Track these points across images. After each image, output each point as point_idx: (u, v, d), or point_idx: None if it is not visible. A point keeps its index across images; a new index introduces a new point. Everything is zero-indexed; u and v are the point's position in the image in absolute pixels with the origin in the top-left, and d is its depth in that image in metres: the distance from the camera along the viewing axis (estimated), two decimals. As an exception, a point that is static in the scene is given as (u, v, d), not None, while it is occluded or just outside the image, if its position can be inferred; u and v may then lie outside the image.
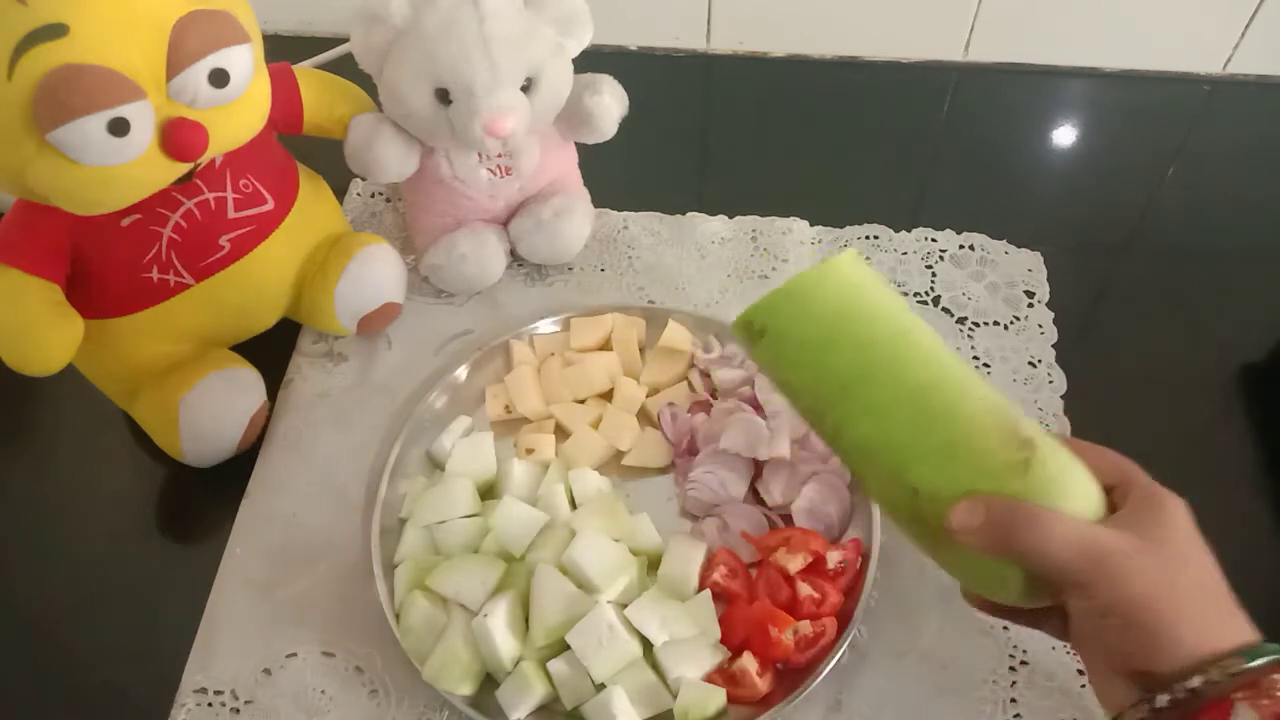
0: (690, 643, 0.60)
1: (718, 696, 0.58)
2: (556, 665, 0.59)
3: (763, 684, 0.59)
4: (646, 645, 0.60)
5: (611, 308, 0.76)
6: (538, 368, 0.74)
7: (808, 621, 0.60)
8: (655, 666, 0.60)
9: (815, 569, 0.63)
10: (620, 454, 0.70)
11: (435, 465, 0.70)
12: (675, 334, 0.74)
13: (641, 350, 0.75)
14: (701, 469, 0.67)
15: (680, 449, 0.70)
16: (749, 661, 0.59)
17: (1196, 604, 0.41)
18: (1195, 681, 0.38)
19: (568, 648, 0.59)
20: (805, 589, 0.61)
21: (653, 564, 0.64)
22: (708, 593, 0.62)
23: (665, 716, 0.59)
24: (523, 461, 0.69)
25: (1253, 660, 0.38)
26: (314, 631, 0.61)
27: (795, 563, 0.62)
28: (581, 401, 0.73)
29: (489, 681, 0.60)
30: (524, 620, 0.61)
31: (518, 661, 0.59)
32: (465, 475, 0.67)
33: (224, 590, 0.63)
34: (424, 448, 0.70)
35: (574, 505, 0.66)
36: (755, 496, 0.68)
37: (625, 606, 0.60)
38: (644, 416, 0.72)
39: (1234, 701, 0.36)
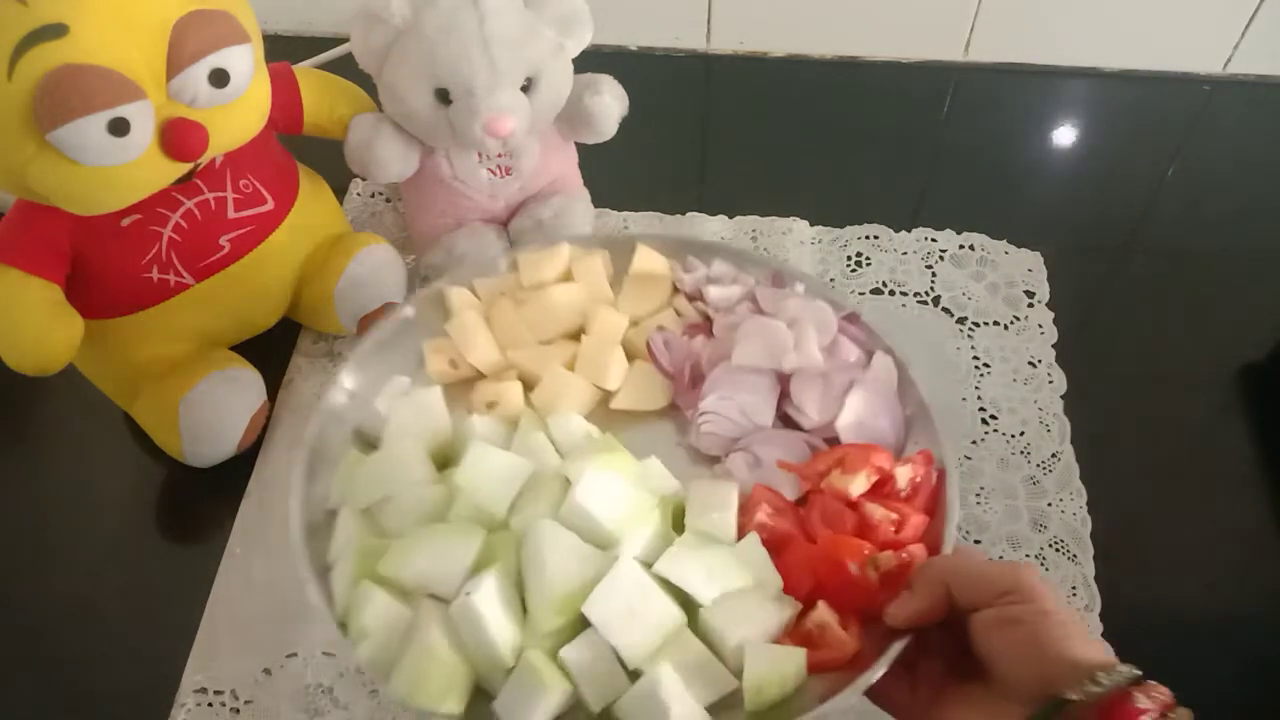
0: (747, 597, 0.47)
1: (795, 659, 0.45)
2: (573, 651, 0.45)
3: (851, 639, 0.46)
4: (689, 609, 0.47)
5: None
6: (485, 313, 0.62)
7: (890, 552, 0.47)
8: (705, 634, 0.47)
9: (882, 492, 0.50)
10: (608, 396, 0.58)
11: (368, 445, 0.58)
12: (647, 258, 0.64)
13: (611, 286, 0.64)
14: (714, 396, 0.55)
15: (682, 381, 0.57)
16: (826, 613, 0.47)
17: (1079, 627, 0.43)
18: (1102, 679, 0.39)
19: (585, 626, 0.46)
20: (878, 510, 0.49)
21: (675, 520, 0.52)
22: (754, 535, 0.49)
23: (732, 700, 0.46)
24: (485, 417, 0.55)
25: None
26: (314, 631, 0.61)
27: (856, 484, 0.49)
28: (547, 343, 0.61)
29: (480, 693, 0.48)
30: (519, 602, 0.48)
31: (519, 654, 0.46)
32: (411, 439, 0.54)
33: (224, 590, 0.63)
34: (349, 427, 0.57)
35: (561, 454, 0.54)
36: (786, 422, 0.56)
37: (651, 566, 0.47)
38: (628, 350, 0.61)
39: (1133, 694, 0.38)
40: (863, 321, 0.58)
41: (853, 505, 0.49)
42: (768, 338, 0.55)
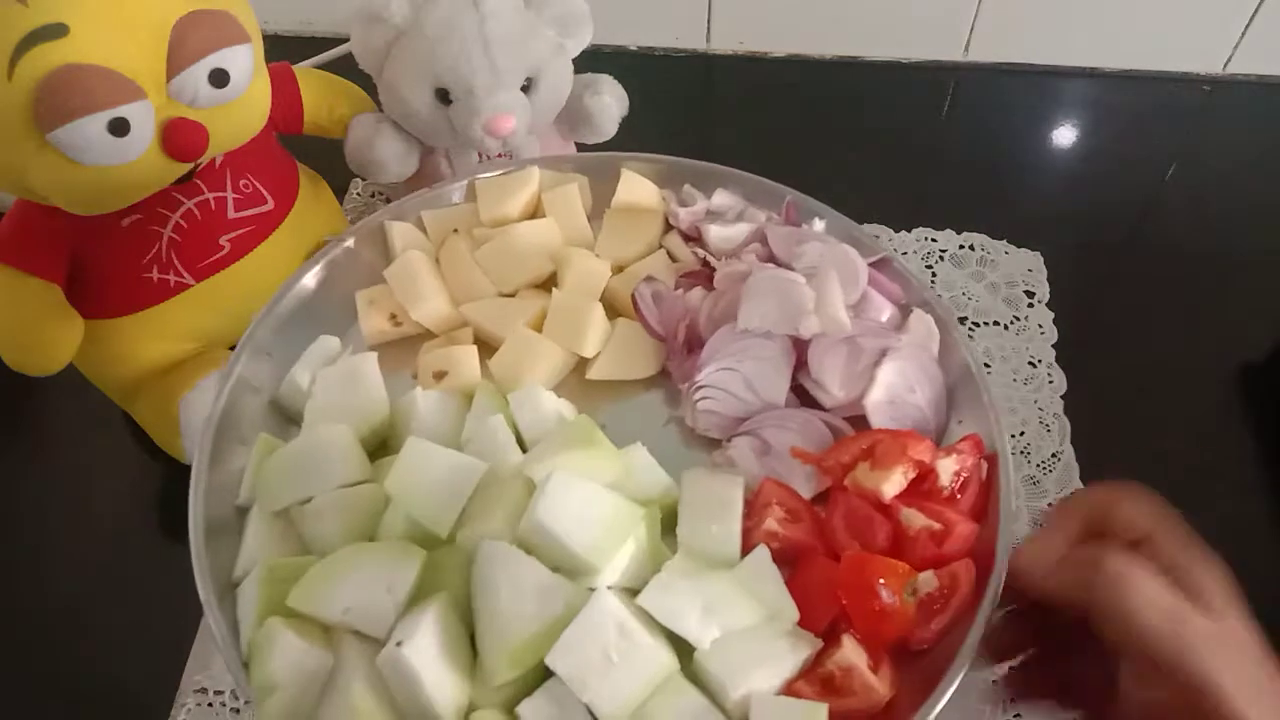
0: (754, 635, 0.39)
1: (814, 716, 0.37)
2: (534, 709, 0.37)
3: (881, 684, 0.38)
4: (683, 651, 0.39)
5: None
6: (435, 254, 0.52)
7: (930, 573, 0.39)
8: (703, 681, 0.38)
9: (921, 489, 0.41)
10: (583, 363, 0.49)
11: (289, 419, 0.50)
12: (634, 186, 0.54)
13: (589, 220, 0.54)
14: (714, 367, 0.46)
15: (675, 344, 0.48)
16: (853, 652, 0.38)
17: (1263, 695, 0.35)
18: None
19: (549, 675, 0.37)
20: (916, 518, 0.40)
21: (664, 523, 0.43)
22: (764, 549, 0.41)
23: None
24: (431, 390, 0.46)
25: None
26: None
27: (891, 483, 0.40)
28: (510, 295, 0.51)
29: None
30: (468, 643, 0.39)
31: (466, 715, 0.38)
32: (338, 420, 0.45)
33: (224, 590, 0.63)
34: (266, 396, 0.48)
35: (524, 447, 0.44)
36: (802, 398, 0.47)
37: (636, 594, 0.39)
38: (610, 306, 0.51)
39: None
40: (896, 268, 0.48)
41: (885, 509, 0.41)
42: (782, 295, 0.44)
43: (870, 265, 0.49)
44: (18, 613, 0.64)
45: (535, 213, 0.53)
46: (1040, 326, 0.75)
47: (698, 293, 0.49)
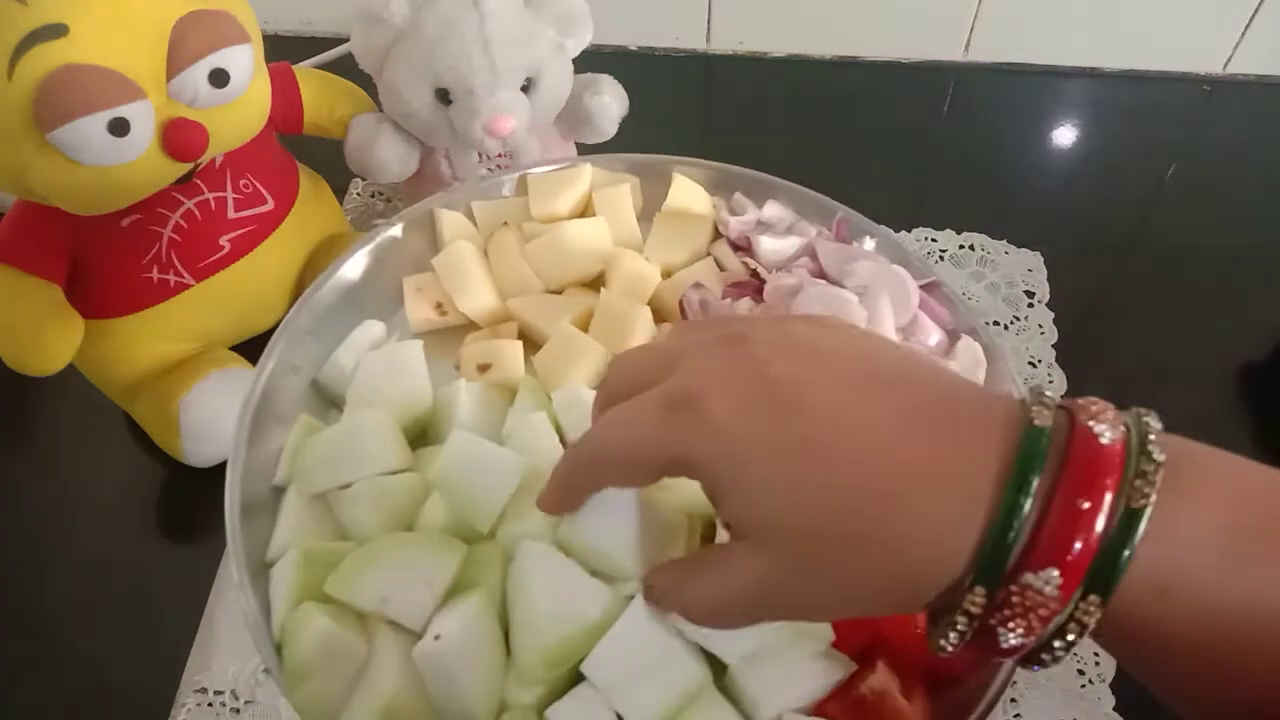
0: (789, 654, 0.38)
1: None
2: (565, 712, 0.37)
3: (914, 710, 0.38)
4: (715, 666, 0.39)
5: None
6: (483, 246, 0.53)
7: None
8: (735, 696, 0.38)
9: None
10: None
11: (329, 401, 0.50)
12: (686, 191, 0.55)
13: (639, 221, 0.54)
14: None
15: None
16: (886, 677, 0.38)
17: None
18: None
19: (580, 679, 0.37)
20: None
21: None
22: None
23: None
24: (475, 383, 0.46)
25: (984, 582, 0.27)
26: (314, 631, 0.61)
27: None
28: (557, 292, 0.51)
29: None
30: (503, 641, 0.39)
31: (500, 714, 0.38)
32: (380, 406, 0.44)
33: (224, 590, 0.63)
34: (307, 376, 0.49)
35: (565, 445, 0.44)
36: None
37: None
38: (655, 310, 0.51)
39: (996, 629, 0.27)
40: (944, 291, 0.49)
41: None
42: (833, 313, 0.44)
43: (921, 287, 0.49)
44: (18, 613, 0.64)
45: (585, 210, 0.54)
46: (1040, 326, 0.75)
47: (745, 303, 0.49)
